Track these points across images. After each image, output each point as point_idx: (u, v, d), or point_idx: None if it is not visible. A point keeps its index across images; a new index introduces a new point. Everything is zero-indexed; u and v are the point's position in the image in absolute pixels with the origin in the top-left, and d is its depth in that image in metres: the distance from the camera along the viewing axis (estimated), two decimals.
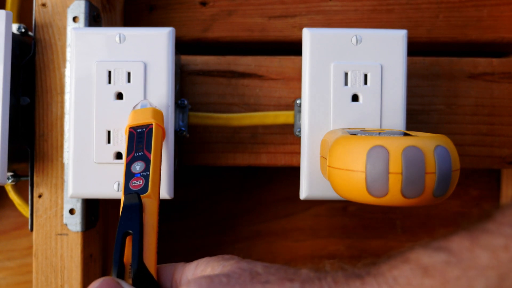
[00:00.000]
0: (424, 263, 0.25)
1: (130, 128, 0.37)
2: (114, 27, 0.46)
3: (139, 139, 0.36)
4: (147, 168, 0.35)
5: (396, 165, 0.29)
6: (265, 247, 0.58)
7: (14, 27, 0.44)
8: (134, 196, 0.33)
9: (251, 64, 0.47)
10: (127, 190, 0.34)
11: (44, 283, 0.43)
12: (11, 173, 0.46)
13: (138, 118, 0.38)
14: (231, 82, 0.47)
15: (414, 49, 0.51)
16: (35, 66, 0.44)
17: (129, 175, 0.35)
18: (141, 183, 0.34)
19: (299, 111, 0.44)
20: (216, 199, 0.58)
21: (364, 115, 0.41)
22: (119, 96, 0.41)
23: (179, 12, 0.51)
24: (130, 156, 0.35)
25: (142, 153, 0.36)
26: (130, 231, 0.32)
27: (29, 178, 0.44)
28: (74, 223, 0.43)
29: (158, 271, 0.34)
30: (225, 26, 0.51)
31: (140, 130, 0.37)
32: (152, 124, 0.37)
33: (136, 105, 0.39)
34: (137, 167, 0.35)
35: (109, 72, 0.41)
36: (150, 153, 0.35)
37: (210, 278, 0.29)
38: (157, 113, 0.38)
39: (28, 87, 0.44)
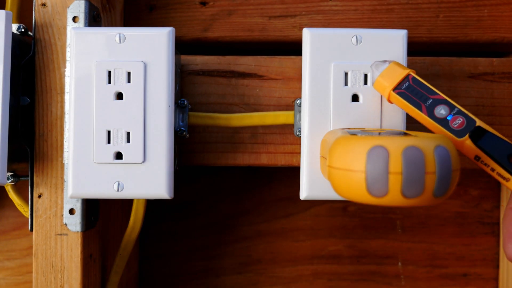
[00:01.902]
0: None
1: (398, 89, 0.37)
2: (114, 27, 0.46)
3: (416, 89, 0.37)
4: (451, 108, 0.36)
5: (396, 165, 0.29)
6: (265, 247, 0.58)
7: (14, 27, 0.44)
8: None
9: (251, 64, 0.47)
10: (452, 130, 0.35)
11: (44, 283, 0.43)
12: (11, 173, 0.46)
13: (392, 75, 0.38)
14: (231, 82, 0.47)
15: (414, 49, 0.51)
16: (35, 66, 0.44)
17: (442, 121, 0.36)
18: (461, 121, 0.36)
19: (299, 111, 0.44)
20: (216, 199, 0.58)
21: (364, 115, 0.41)
22: (119, 96, 0.41)
23: (179, 12, 0.51)
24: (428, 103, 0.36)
25: (434, 98, 0.36)
26: None
27: (29, 178, 0.44)
28: (74, 223, 0.43)
29: None
30: (225, 26, 0.51)
31: (406, 84, 0.37)
32: (410, 74, 0.37)
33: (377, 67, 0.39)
34: (442, 111, 0.36)
35: (109, 72, 0.41)
36: (438, 94, 0.36)
37: None
38: (398, 64, 0.38)
39: (28, 87, 0.44)
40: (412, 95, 0.37)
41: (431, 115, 0.36)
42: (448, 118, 0.36)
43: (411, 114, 0.37)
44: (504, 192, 0.56)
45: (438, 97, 0.36)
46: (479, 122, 0.35)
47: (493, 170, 0.35)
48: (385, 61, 0.39)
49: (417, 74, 0.48)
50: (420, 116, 0.37)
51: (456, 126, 0.36)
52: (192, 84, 0.47)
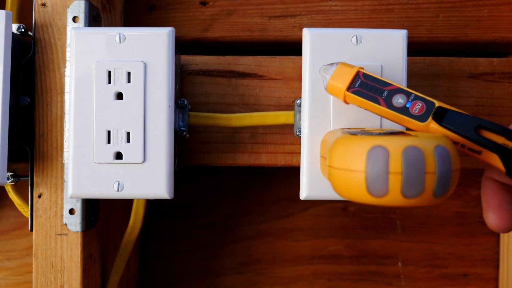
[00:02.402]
0: None
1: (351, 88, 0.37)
2: (114, 27, 0.46)
3: (370, 84, 0.37)
4: (408, 95, 0.36)
5: (396, 165, 0.29)
6: (265, 247, 0.58)
7: (14, 27, 0.44)
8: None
9: (251, 64, 0.47)
10: (414, 116, 0.35)
11: (44, 283, 0.43)
12: (11, 173, 0.46)
13: (342, 75, 0.37)
14: (231, 82, 0.47)
15: (414, 49, 0.51)
16: (35, 66, 0.44)
17: (402, 109, 0.36)
18: (420, 105, 0.35)
19: (299, 111, 0.44)
20: (216, 199, 0.58)
21: (364, 115, 0.41)
22: (119, 96, 0.41)
23: (179, 12, 0.51)
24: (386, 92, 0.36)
25: (388, 89, 0.36)
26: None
27: (29, 178, 0.44)
28: (74, 223, 0.43)
29: None
30: (225, 26, 0.51)
31: (358, 81, 0.37)
32: (360, 71, 0.37)
33: (325, 71, 0.38)
34: (400, 99, 0.36)
35: (109, 72, 0.41)
36: (392, 85, 0.36)
37: None
38: (345, 65, 0.38)
39: (28, 87, 0.44)
40: (367, 91, 0.36)
41: (390, 106, 0.36)
42: (407, 105, 0.36)
43: (370, 110, 0.37)
44: None
45: (392, 87, 0.36)
46: (438, 103, 0.35)
47: (463, 146, 0.34)
48: (332, 64, 0.38)
49: (417, 74, 0.48)
50: (380, 110, 0.36)
51: (416, 111, 0.35)
52: (192, 84, 0.47)
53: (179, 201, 0.58)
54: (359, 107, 0.37)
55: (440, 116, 0.35)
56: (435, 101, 0.35)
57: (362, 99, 0.36)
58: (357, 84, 0.37)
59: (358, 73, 0.37)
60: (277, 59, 0.47)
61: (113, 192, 0.41)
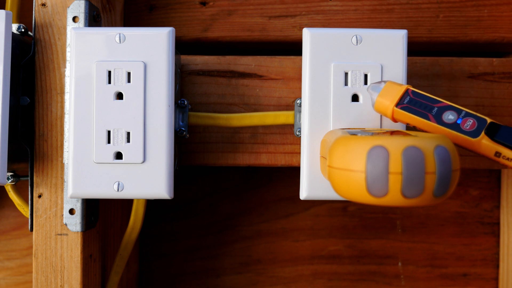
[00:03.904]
0: None
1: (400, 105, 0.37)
2: (114, 27, 0.46)
3: (419, 101, 0.37)
4: (459, 112, 0.36)
5: (396, 165, 0.29)
6: (265, 247, 0.58)
7: (14, 27, 0.44)
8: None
9: (251, 64, 0.47)
10: (465, 132, 0.35)
11: (44, 283, 0.43)
12: (11, 173, 0.46)
13: (391, 93, 0.38)
14: (231, 82, 0.47)
15: (414, 49, 0.51)
16: (35, 66, 0.44)
17: (453, 125, 0.36)
18: (471, 122, 0.36)
19: (299, 111, 0.44)
20: (216, 199, 0.58)
21: (364, 115, 0.41)
22: (119, 96, 0.41)
23: (179, 12, 0.51)
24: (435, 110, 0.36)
25: (438, 106, 0.37)
26: None
27: (29, 178, 0.44)
28: (74, 223, 0.43)
29: None
30: (225, 26, 0.51)
31: (407, 98, 0.37)
32: (409, 88, 0.37)
33: (375, 87, 0.39)
34: (450, 116, 0.36)
35: (109, 72, 0.41)
36: (441, 102, 0.37)
37: None
38: (394, 83, 0.38)
39: (28, 87, 0.44)
40: (416, 107, 0.37)
41: (440, 122, 0.36)
42: (458, 121, 0.36)
43: (419, 126, 0.37)
44: (504, 192, 0.56)
45: (442, 104, 0.36)
46: (490, 120, 0.35)
47: None
48: (380, 82, 0.38)
49: (417, 74, 0.48)
50: (430, 126, 0.36)
51: (468, 128, 0.36)
52: (192, 84, 0.47)
53: (179, 201, 0.58)
54: (407, 124, 0.38)
55: (493, 131, 0.35)
56: (487, 118, 0.36)
57: (411, 115, 0.37)
58: (406, 101, 0.37)
59: (407, 90, 0.37)
60: (277, 59, 0.47)
61: (113, 192, 0.41)
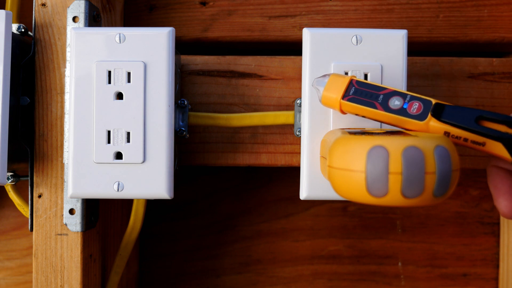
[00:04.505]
0: None
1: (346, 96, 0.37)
2: (114, 27, 0.46)
3: (364, 90, 0.37)
4: (404, 97, 0.36)
5: (396, 165, 0.29)
6: (265, 247, 0.58)
7: (14, 27, 0.44)
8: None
9: (251, 64, 0.47)
10: (412, 116, 0.35)
11: (44, 283, 0.43)
12: (11, 173, 0.46)
13: (336, 85, 0.37)
14: (231, 82, 0.47)
15: (414, 49, 0.51)
16: (35, 66, 0.44)
17: (400, 111, 0.36)
18: (417, 105, 0.35)
19: (299, 111, 0.44)
20: (216, 199, 0.58)
21: None
22: (119, 96, 0.41)
23: (179, 12, 0.51)
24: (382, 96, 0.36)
25: (383, 93, 0.36)
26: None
27: (29, 178, 0.44)
28: (74, 223, 0.43)
29: None
30: (225, 26, 0.51)
31: (352, 89, 0.37)
32: (353, 79, 0.37)
33: (319, 81, 0.38)
34: (396, 101, 0.36)
35: (109, 72, 0.41)
36: (386, 88, 0.36)
37: None
38: (337, 75, 0.38)
39: (28, 87, 0.44)
40: (362, 97, 0.36)
41: (387, 109, 0.36)
42: (404, 106, 0.35)
43: (367, 115, 0.37)
44: None
45: (387, 91, 0.36)
46: (435, 101, 0.35)
47: (466, 140, 0.34)
48: (324, 76, 0.38)
49: (417, 74, 0.48)
50: (377, 114, 0.36)
51: (414, 111, 0.35)
52: (192, 84, 0.47)
53: (179, 201, 0.58)
54: (356, 114, 0.37)
55: (439, 112, 0.35)
56: (431, 99, 0.35)
57: (358, 105, 0.36)
58: (351, 92, 0.37)
59: (351, 81, 0.37)
60: (277, 59, 0.47)
61: (113, 192, 0.41)
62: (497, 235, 0.57)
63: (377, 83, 0.37)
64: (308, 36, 0.41)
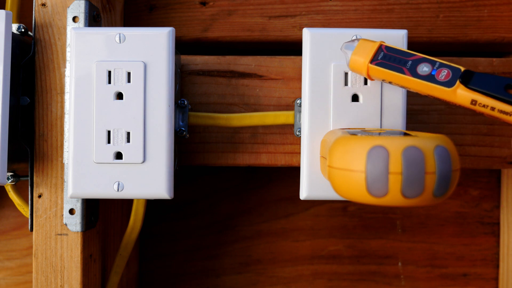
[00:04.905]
0: None
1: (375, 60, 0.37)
2: (114, 27, 0.46)
3: (393, 55, 0.37)
4: (433, 63, 0.36)
5: (396, 165, 0.29)
6: (265, 247, 0.58)
7: (14, 27, 0.44)
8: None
9: (251, 64, 0.47)
10: (440, 83, 0.35)
11: (44, 283, 0.43)
12: (11, 173, 0.46)
13: (364, 49, 0.37)
14: (231, 82, 0.47)
15: (414, 49, 0.51)
16: (35, 66, 0.44)
17: (428, 77, 0.36)
18: (446, 72, 0.35)
19: (299, 111, 0.44)
20: (216, 199, 0.58)
21: (364, 115, 0.41)
22: (119, 96, 0.41)
23: (179, 12, 0.51)
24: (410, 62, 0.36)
25: (412, 59, 0.36)
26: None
27: (29, 178, 0.44)
28: (74, 223, 0.43)
29: None
30: (225, 26, 0.51)
31: (381, 54, 0.37)
32: (382, 44, 0.37)
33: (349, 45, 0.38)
34: (425, 68, 0.36)
35: (109, 72, 0.41)
36: (415, 55, 0.36)
37: None
38: (367, 40, 0.38)
39: (28, 87, 0.44)
40: (391, 62, 0.36)
41: (415, 74, 0.36)
42: (433, 73, 0.35)
43: (394, 81, 0.36)
44: (504, 192, 0.56)
45: (416, 57, 0.36)
46: (464, 68, 0.35)
47: (493, 109, 0.34)
48: (353, 40, 0.38)
49: None
50: (405, 80, 0.36)
51: (443, 78, 0.35)
52: (192, 84, 0.47)
53: (179, 201, 0.58)
54: (383, 80, 0.37)
55: (467, 79, 0.34)
56: (460, 67, 0.35)
57: (386, 70, 0.36)
58: (380, 57, 0.36)
59: (380, 46, 0.37)
60: (277, 59, 0.47)
61: (113, 192, 0.41)
62: (497, 235, 0.57)
63: (407, 49, 0.37)
64: (308, 36, 0.41)
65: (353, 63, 0.38)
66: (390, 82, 0.37)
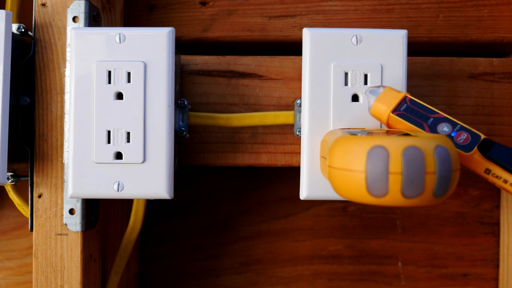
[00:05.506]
0: None
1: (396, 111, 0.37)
2: (114, 27, 0.46)
3: (415, 109, 0.37)
4: (454, 125, 0.36)
5: (396, 165, 0.29)
6: (265, 247, 0.58)
7: (14, 27, 0.44)
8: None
9: (251, 64, 0.47)
10: (458, 146, 0.36)
11: (44, 283, 0.43)
12: (11, 173, 0.46)
13: (389, 98, 0.37)
14: (231, 82, 0.47)
15: (414, 49, 0.51)
16: (35, 66, 0.44)
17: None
18: (465, 136, 0.36)
19: (299, 111, 0.44)
20: (216, 199, 0.58)
21: (364, 115, 0.41)
22: (119, 96, 0.41)
23: (179, 12, 0.51)
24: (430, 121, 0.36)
25: (434, 117, 0.37)
26: None
27: (29, 178, 0.44)
28: (74, 223, 0.43)
29: None
30: (225, 26, 0.51)
31: (404, 105, 0.37)
32: (407, 96, 0.37)
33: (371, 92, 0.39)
34: (445, 128, 0.36)
35: (109, 72, 0.41)
36: (438, 113, 0.37)
37: None
38: (392, 89, 0.38)
39: (28, 87, 0.44)
40: (412, 116, 0.37)
41: (434, 133, 0.36)
42: (452, 134, 0.36)
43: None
44: (504, 192, 0.56)
45: (438, 115, 0.37)
46: (484, 136, 0.36)
47: (505, 181, 0.35)
48: (379, 86, 0.38)
49: (417, 74, 0.48)
50: None
51: (461, 141, 0.36)
52: (192, 84, 0.47)
53: (179, 201, 0.58)
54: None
55: (486, 148, 0.35)
56: (480, 134, 0.36)
57: (406, 122, 0.37)
58: (402, 108, 0.37)
59: (405, 97, 0.37)
60: (277, 59, 0.47)
61: (113, 192, 0.41)
62: (497, 235, 0.57)
63: (431, 106, 0.37)
64: (308, 36, 0.41)
65: (374, 109, 0.38)
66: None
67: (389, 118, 0.37)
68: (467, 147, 0.36)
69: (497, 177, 0.35)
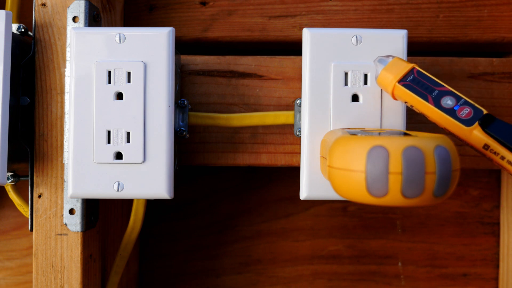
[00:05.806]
0: None
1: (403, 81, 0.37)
2: (114, 27, 0.46)
3: (422, 81, 0.37)
4: (458, 99, 0.36)
5: (396, 165, 0.29)
6: (265, 247, 0.58)
7: (14, 27, 0.44)
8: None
9: (251, 64, 0.47)
10: (460, 120, 0.35)
11: (44, 283, 0.43)
12: (11, 173, 0.46)
13: (396, 68, 0.38)
14: (231, 82, 0.47)
15: (414, 49, 0.51)
16: (35, 66, 0.44)
17: (449, 111, 0.36)
18: (468, 111, 0.36)
19: (299, 111, 0.44)
20: (216, 199, 0.58)
21: (364, 115, 0.41)
22: (119, 96, 0.41)
23: (179, 12, 0.51)
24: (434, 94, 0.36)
25: (439, 89, 0.37)
26: None
27: (29, 178, 0.44)
28: (74, 223, 0.43)
29: None
30: (225, 26, 0.51)
31: (411, 76, 0.37)
32: (415, 67, 0.37)
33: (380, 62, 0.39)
34: (449, 101, 0.36)
35: (109, 72, 0.41)
36: (443, 86, 0.37)
37: None
38: (401, 59, 0.38)
39: (28, 87, 0.44)
40: (418, 87, 0.37)
41: (438, 105, 0.36)
42: (455, 108, 0.36)
43: (416, 106, 0.37)
44: (504, 192, 0.56)
45: (443, 88, 0.37)
46: (486, 111, 0.35)
47: (503, 158, 0.34)
48: (388, 56, 0.38)
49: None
50: (427, 107, 0.36)
51: (463, 115, 0.36)
52: (192, 84, 0.47)
53: (179, 201, 0.58)
54: (405, 102, 0.38)
55: (486, 123, 0.35)
56: (483, 109, 0.36)
57: (411, 93, 0.37)
58: (409, 79, 0.37)
59: (412, 69, 0.37)
60: (277, 59, 0.47)
61: (113, 192, 0.41)
62: (497, 235, 0.57)
63: (438, 79, 0.37)
64: (308, 36, 0.41)
65: (381, 78, 0.38)
66: (411, 106, 0.38)
67: (395, 88, 0.37)
68: (468, 122, 0.35)
69: (495, 153, 0.35)
